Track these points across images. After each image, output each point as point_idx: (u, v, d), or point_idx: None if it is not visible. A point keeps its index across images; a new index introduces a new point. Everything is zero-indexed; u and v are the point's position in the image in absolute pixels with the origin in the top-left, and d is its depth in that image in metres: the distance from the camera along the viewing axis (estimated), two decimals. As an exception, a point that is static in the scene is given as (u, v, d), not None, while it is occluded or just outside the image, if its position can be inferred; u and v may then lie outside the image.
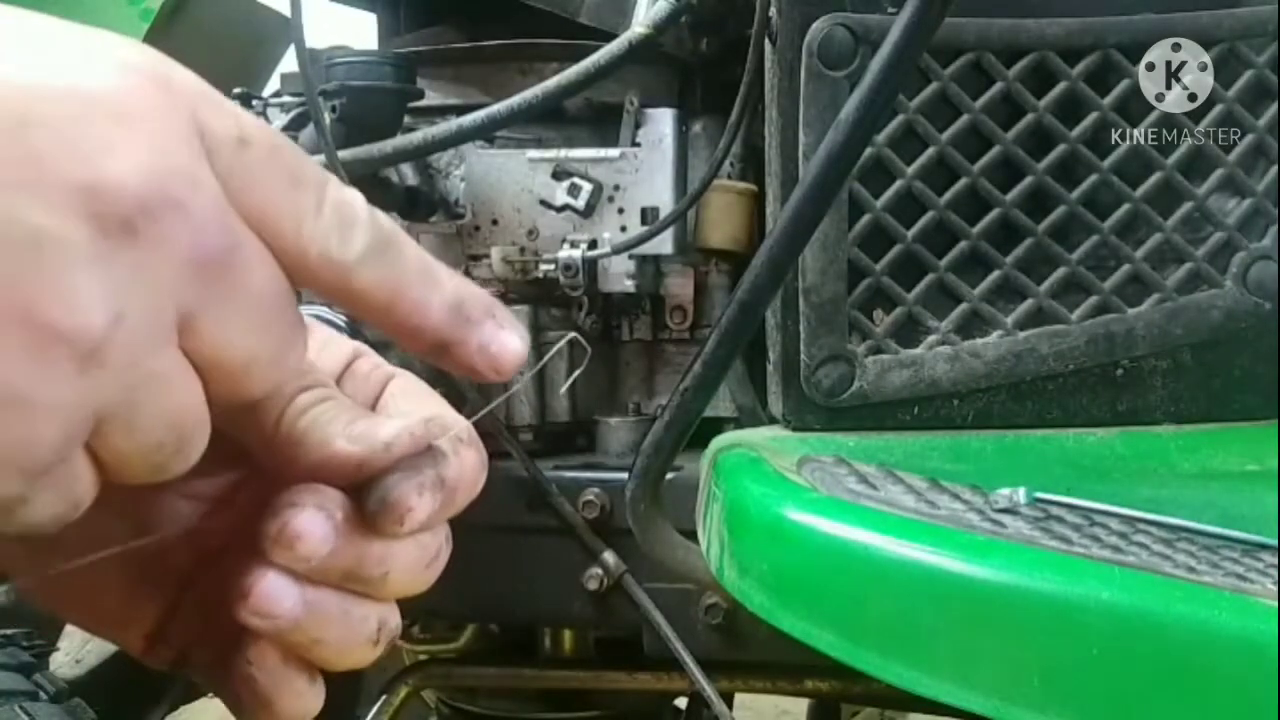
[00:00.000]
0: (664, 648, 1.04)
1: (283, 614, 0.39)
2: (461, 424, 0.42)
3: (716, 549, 0.69)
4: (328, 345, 0.45)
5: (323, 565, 0.39)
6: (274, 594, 0.39)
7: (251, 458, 0.42)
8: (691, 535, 0.78)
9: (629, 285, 1.14)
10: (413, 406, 0.43)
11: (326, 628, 0.40)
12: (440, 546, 0.42)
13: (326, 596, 0.40)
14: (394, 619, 0.42)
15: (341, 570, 0.40)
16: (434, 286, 0.39)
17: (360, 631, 0.41)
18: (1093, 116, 0.83)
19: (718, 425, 1.08)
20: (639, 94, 1.14)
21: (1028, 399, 0.84)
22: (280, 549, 0.38)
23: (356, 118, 1.09)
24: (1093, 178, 0.83)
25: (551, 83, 1.03)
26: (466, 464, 0.42)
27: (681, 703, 1.37)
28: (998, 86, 0.82)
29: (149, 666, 0.45)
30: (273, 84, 1.47)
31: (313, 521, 0.38)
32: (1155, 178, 0.83)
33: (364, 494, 0.39)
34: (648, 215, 1.12)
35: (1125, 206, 0.84)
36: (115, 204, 0.32)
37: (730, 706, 1.16)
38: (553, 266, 1.10)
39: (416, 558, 0.41)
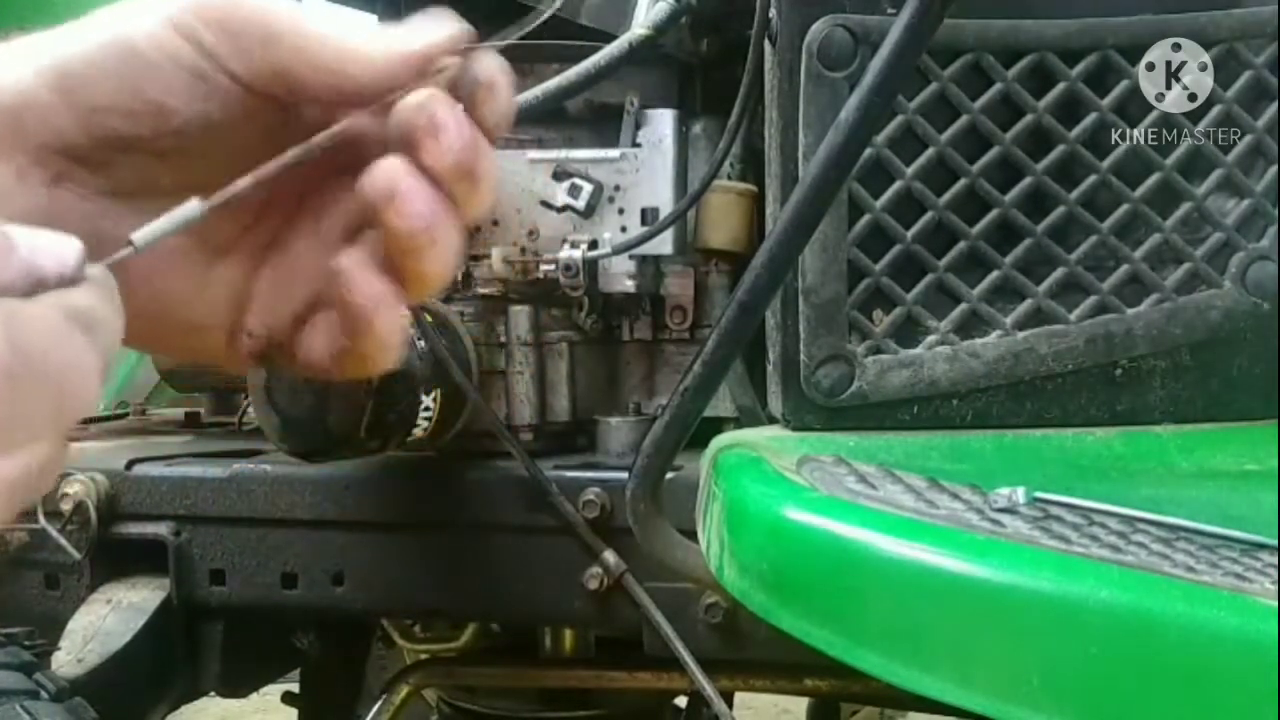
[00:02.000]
0: (664, 647, 1.04)
1: (422, 212, 0.45)
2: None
3: (716, 548, 0.69)
4: None
5: (453, 161, 0.45)
6: (415, 192, 0.44)
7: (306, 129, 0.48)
8: (691, 535, 0.78)
9: (629, 285, 1.14)
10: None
11: (445, 230, 0.46)
12: (494, 175, 0.48)
13: (444, 200, 0.45)
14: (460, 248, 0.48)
15: (462, 168, 0.45)
16: None
17: (456, 243, 0.46)
18: (1092, 117, 0.83)
19: (718, 425, 1.08)
20: (639, 95, 1.14)
21: (1027, 399, 0.84)
22: (430, 140, 0.44)
23: (357, 118, 1.09)
24: (1092, 178, 0.83)
25: (552, 83, 1.03)
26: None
27: (681, 701, 1.37)
28: (997, 87, 0.82)
29: (234, 370, 0.51)
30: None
31: (450, 114, 0.45)
32: (1154, 178, 0.84)
33: (454, 88, 0.45)
34: (648, 215, 1.12)
35: (1124, 207, 0.84)
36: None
37: (730, 705, 1.16)
38: (553, 267, 1.10)
39: (493, 167, 0.47)
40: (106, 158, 0.47)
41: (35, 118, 0.45)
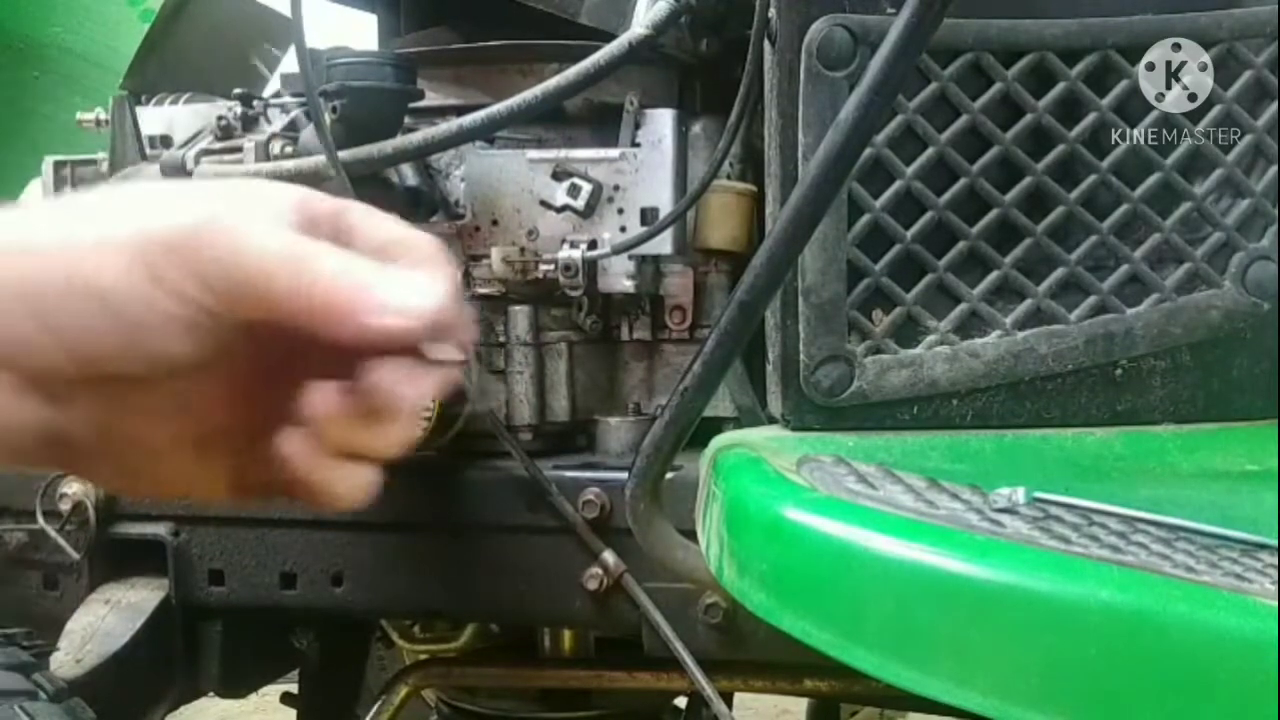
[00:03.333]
0: (664, 647, 1.04)
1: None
2: (426, 238, 0.50)
3: (716, 549, 0.69)
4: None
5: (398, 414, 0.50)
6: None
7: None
8: (691, 535, 0.78)
9: (629, 285, 1.14)
10: (379, 228, 0.50)
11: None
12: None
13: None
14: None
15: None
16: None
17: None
18: (1092, 117, 0.83)
19: (718, 425, 1.08)
20: (639, 94, 1.14)
21: (1027, 399, 0.84)
22: (401, 424, 0.49)
23: (357, 118, 1.09)
24: (1091, 178, 0.83)
25: (551, 83, 1.03)
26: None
27: (681, 702, 1.37)
28: (997, 87, 0.82)
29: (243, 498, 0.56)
30: (273, 84, 1.48)
31: (411, 391, 0.48)
32: (1154, 178, 0.84)
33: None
34: (647, 215, 1.12)
35: (1124, 207, 0.84)
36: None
37: (730, 706, 1.16)
38: (553, 267, 1.10)
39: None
40: (101, 384, 0.46)
41: (20, 349, 0.44)
